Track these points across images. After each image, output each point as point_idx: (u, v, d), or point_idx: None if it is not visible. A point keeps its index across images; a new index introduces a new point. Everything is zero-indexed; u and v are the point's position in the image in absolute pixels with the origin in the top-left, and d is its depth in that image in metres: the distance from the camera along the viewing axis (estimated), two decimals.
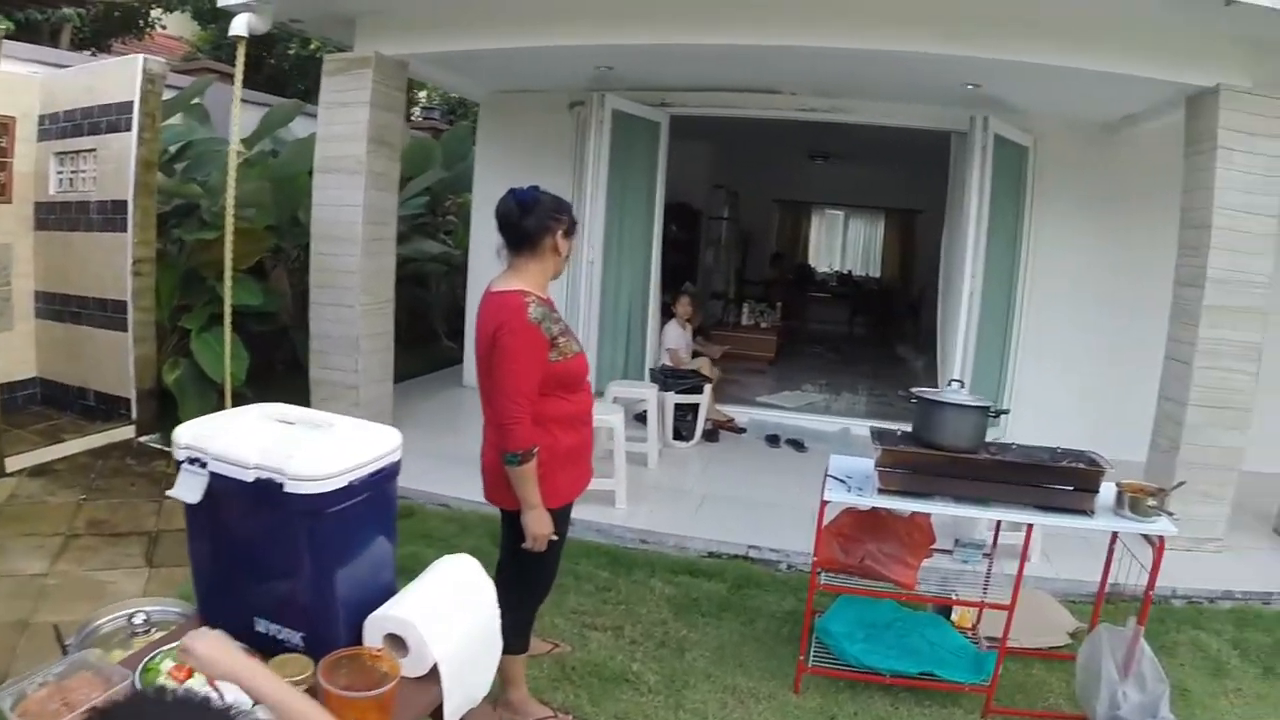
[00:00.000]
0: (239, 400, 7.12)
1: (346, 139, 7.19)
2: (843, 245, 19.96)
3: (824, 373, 11.70)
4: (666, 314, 9.21)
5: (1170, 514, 3.82)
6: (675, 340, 8.98)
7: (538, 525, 3.47)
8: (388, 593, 2.54)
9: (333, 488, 2.25)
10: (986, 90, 7.57)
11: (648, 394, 7.34)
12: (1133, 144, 8.43)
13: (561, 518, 3.66)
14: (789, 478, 7.13)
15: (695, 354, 9.29)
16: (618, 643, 4.62)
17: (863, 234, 19.74)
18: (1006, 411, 4.34)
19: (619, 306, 8.75)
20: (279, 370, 9.01)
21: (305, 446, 2.30)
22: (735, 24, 6.40)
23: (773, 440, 8.38)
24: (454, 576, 2.64)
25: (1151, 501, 3.78)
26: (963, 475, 3.75)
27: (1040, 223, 8.67)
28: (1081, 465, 3.86)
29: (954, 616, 4.56)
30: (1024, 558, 3.89)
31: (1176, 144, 6.69)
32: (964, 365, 7.81)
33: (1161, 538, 3.80)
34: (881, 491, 3.80)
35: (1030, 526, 3.84)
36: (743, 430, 8.73)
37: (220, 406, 6.69)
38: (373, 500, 2.41)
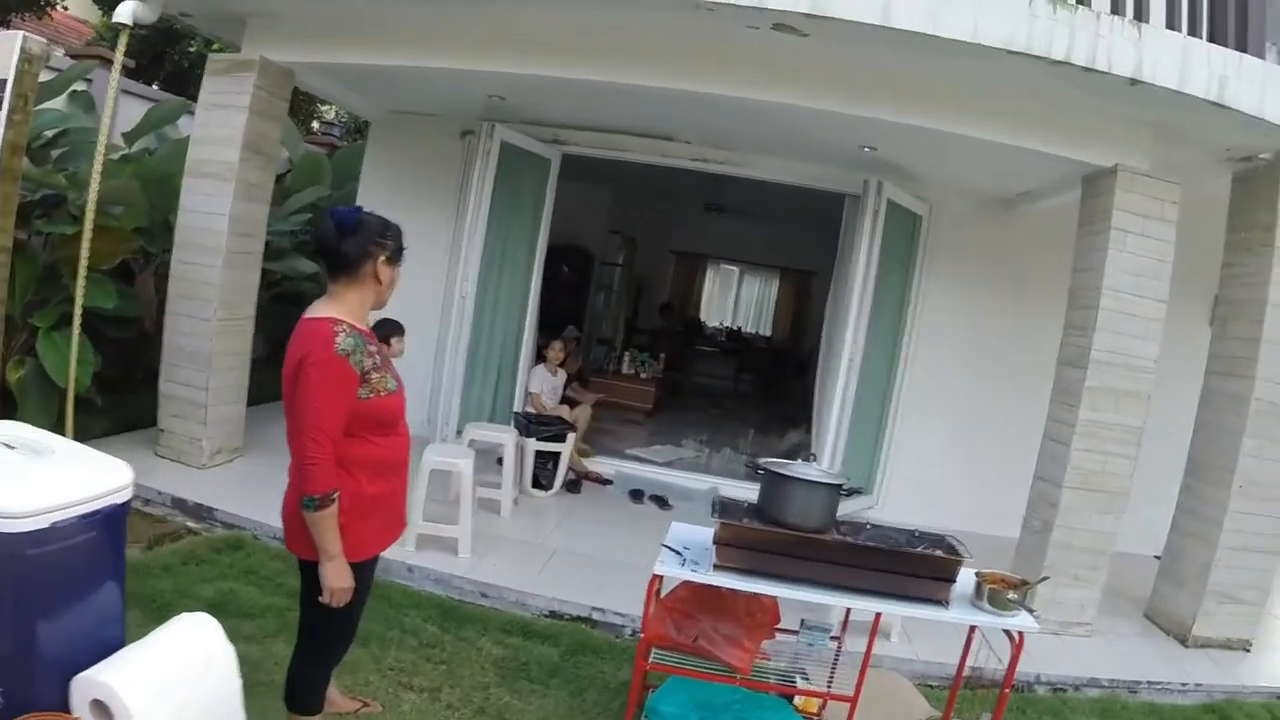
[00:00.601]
0: (84, 407, 6.65)
1: (220, 143, 6.83)
2: (736, 301, 19.90)
3: (702, 428, 11.49)
4: (542, 357, 8.87)
5: (1031, 610, 3.60)
6: (538, 384, 8.67)
7: (336, 578, 3.12)
8: (109, 649, 2.17)
9: (33, 527, 1.89)
10: (883, 154, 7.48)
11: (506, 438, 6.98)
12: (1027, 220, 8.48)
13: (364, 572, 3.30)
14: (647, 536, 6.61)
15: (569, 401, 9.00)
16: (433, 706, 4.25)
17: (757, 291, 19.71)
18: (860, 490, 4.01)
19: (491, 345, 8.41)
20: (138, 379, 8.43)
21: (7, 479, 1.93)
22: (622, 63, 6.22)
23: (636, 495, 8.10)
24: (187, 640, 2.28)
25: (1012, 595, 3.55)
26: (808, 557, 3.47)
27: (929, 292, 8.62)
28: (939, 552, 3.62)
29: (798, 700, 4.28)
30: (870, 647, 3.68)
31: (1070, 224, 6.67)
32: (839, 433, 7.67)
33: (1021, 633, 3.55)
34: (718, 568, 3.50)
35: (879, 615, 3.58)
36: (608, 482, 8.44)
37: (62, 411, 6.22)
38: (93, 544, 2.06)
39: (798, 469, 3.70)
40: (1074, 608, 6.28)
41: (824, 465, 7.21)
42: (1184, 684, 5.83)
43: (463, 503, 5.87)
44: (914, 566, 3.52)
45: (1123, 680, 5.72)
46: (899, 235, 8.14)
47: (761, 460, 3.78)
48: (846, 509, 7.66)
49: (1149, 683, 5.77)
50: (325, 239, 3.14)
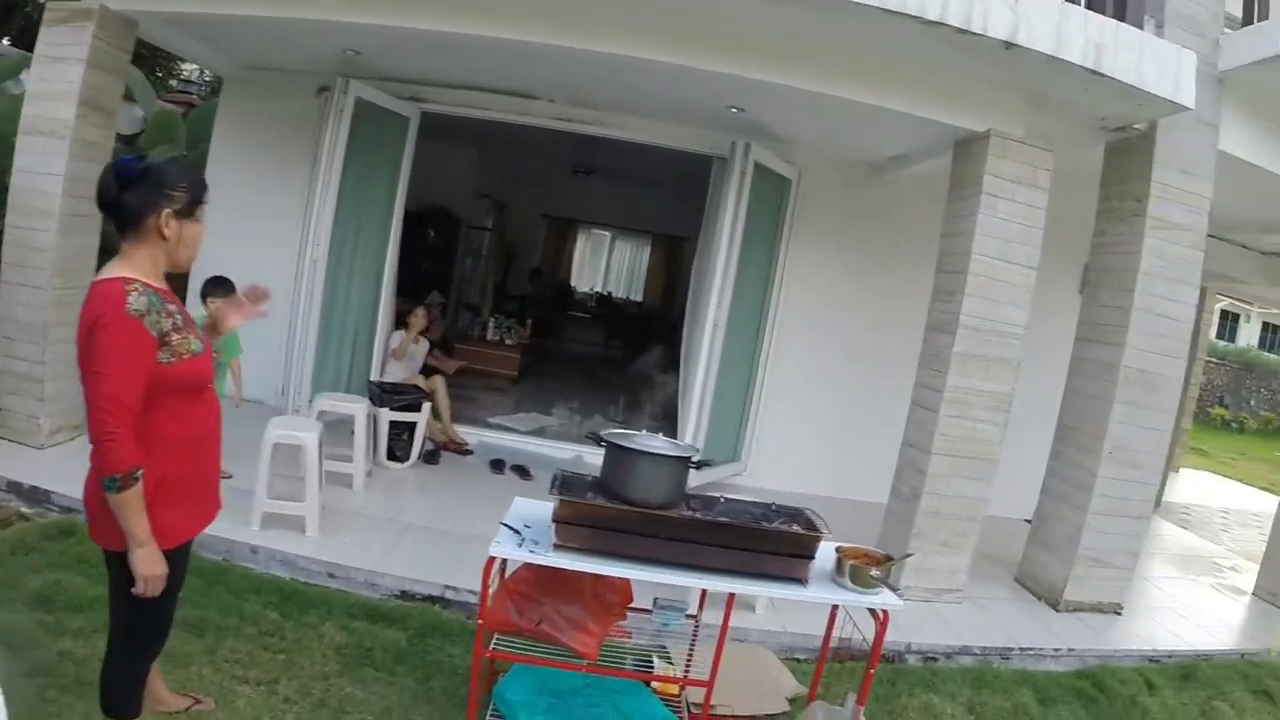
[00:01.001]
0: None
1: (56, 99, 6.27)
2: (607, 266, 19.71)
3: (568, 395, 11.18)
4: (404, 324, 8.52)
5: (894, 588, 3.50)
6: (398, 339, 8.29)
7: (147, 565, 2.82)
8: None
9: None
10: (751, 115, 7.33)
11: (356, 409, 6.66)
12: (898, 185, 8.44)
13: (177, 560, 3.01)
14: (506, 509, 6.57)
15: (430, 370, 8.67)
16: (269, 700, 3.94)
17: (629, 257, 19.55)
18: (709, 462, 3.85)
19: (347, 312, 8.01)
20: None
21: None
22: (476, 14, 5.92)
23: (497, 466, 7.86)
24: None
25: (875, 571, 3.43)
26: (655, 535, 3.29)
27: (797, 257, 8.55)
28: (796, 528, 3.48)
29: (655, 682, 4.12)
30: (724, 631, 3.47)
31: (941, 189, 6.61)
32: (703, 400, 7.54)
33: (885, 611, 3.44)
34: (558, 548, 3.30)
35: (732, 595, 3.42)
36: (469, 452, 8.17)
37: None
38: None
39: (642, 441, 3.50)
40: (944, 575, 6.29)
41: (688, 433, 7.12)
42: (1056, 649, 5.88)
43: (308, 478, 5.54)
44: (770, 543, 3.37)
45: (994, 647, 5.73)
46: (767, 199, 8.03)
47: (603, 431, 3.57)
48: (711, 477, 7.65)
49: (1021, 649, 5.80)
50: (103, 191, 2.81)
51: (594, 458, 7.51)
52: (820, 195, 8.57)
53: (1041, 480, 7.01)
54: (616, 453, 3.43)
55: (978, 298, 6.02)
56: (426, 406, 7.52)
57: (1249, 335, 37.91)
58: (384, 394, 7.27)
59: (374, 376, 8.07)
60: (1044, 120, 6.13)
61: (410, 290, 9.88)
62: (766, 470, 8.58)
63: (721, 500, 3.69)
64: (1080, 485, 6.52)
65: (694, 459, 3.52)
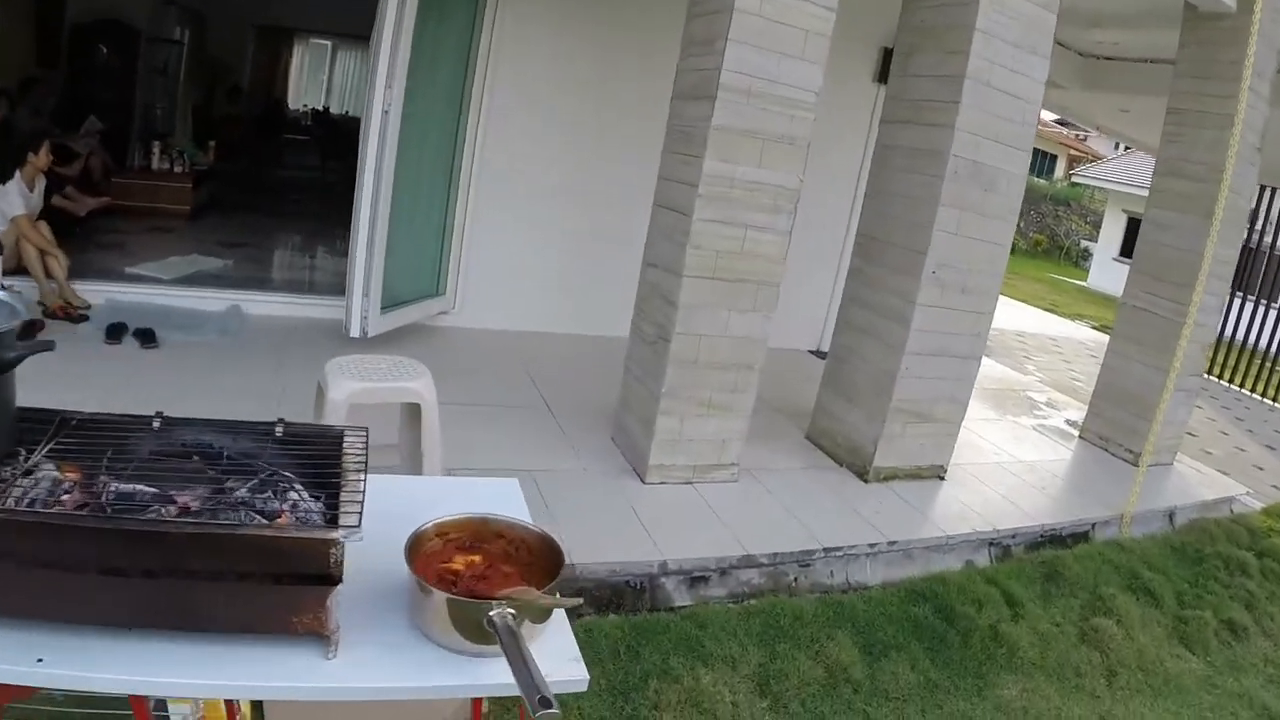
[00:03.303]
0: None
1: None
2: (329, 81, 17.02)
3: (254, 231, 9.00)
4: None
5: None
6: (17, 204, 5.89)
7: None
8: None
9: None
10: None
11: None
12: None
13: None
14: (87, 395, 4.50)
15: (58, 214, 6.54)
16: None
17: (353, 69, 16.85)
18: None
19: None
20: None
21: None
22: None
23: (114, 333, 5.64)
24: None
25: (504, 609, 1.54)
26: None
27: (505, 28, 6.41)
28: (309, 532, 1.47)
29: None
30: None
31: None
32: (376, 215, 5.51)
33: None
34: None
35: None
36: (84, 318, 5.89)
37: None
38: None
39: None
40: (710, 447, 4.58)
41: (358, 263, 5.24)
42: (873, 544, 4.33)
43: None
44: (214, 558, 1.38)
45: (788, 553, 4.09)
46: None
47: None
48: (407, 319, 6.23)
49: (825, 550, 4.18)
50: None
51: (257, 307, 6.36)
52: None
53: (836, 309, 5.31)
54: None
55: (748, 46, 4.06)
56: None
57: None
58: None
59: None
60: None
61: (73, 120, 8.77)
62: (481, 306, 6.81)
63: (152, 426, 1.66)
64: (892, 315, 4.89)
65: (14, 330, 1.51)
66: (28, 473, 1.43)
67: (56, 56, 9.86)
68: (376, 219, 5.51)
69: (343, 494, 1.43)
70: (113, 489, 1.42)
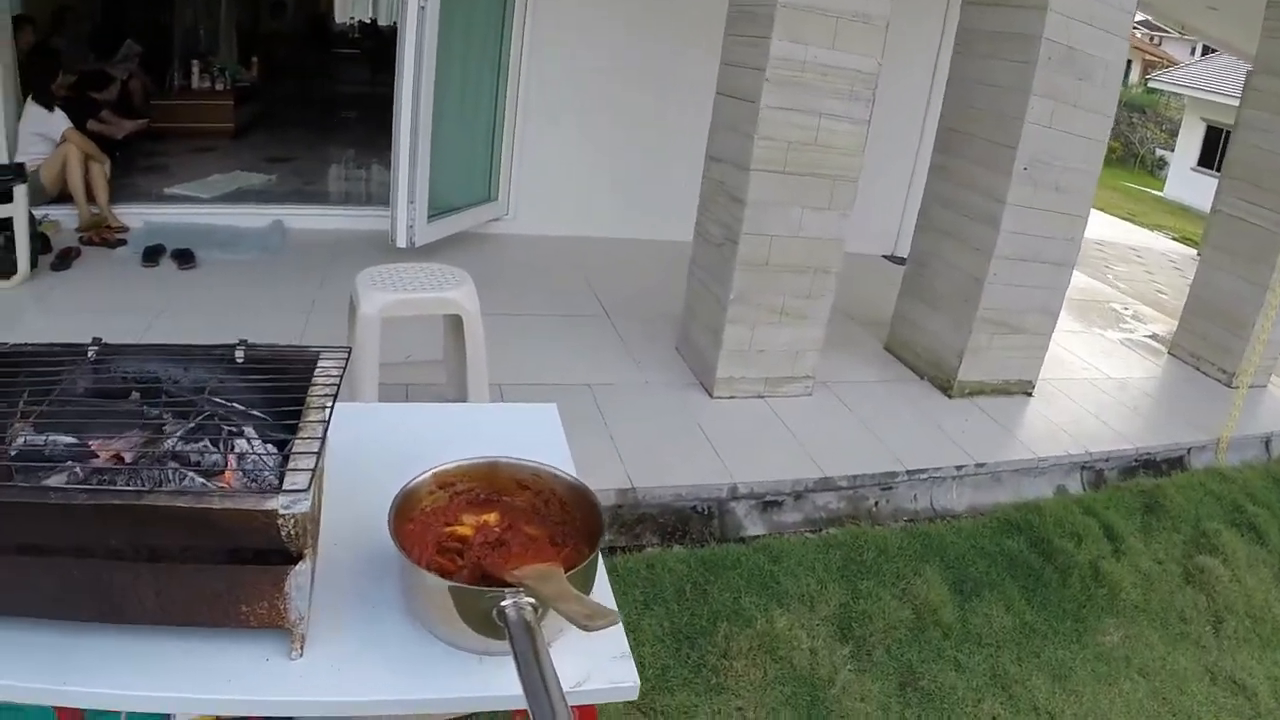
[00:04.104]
0: None
1: None
2: None
3: (299, 146, 8.71)
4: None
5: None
6: (42, 124, 5.62)
7: None
8: None
9: None
10: None
11: None
12: None
13: None
14: (118, 321, 4.25)
15: (98, 138, 6.12)
16: None
17: None
18: None
19: None
20: None
21: None
22: None
23: (152, 255, 5.38)
24: None
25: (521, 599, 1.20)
26: None
27: None
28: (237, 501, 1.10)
29: None
30: None
31: None
32: (417, 114, 5.13)
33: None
34: None
35: None
36: (122, 242, 5.64)
37: None
38: None
39: None
40: (784, 358, 4.21)
41: (402, 169, 4.98)
42: (960, 467, 3.94)
43: None
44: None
45: (869, 475, 3.72)
46: None
47: None
48: (460, 226, 5.99)
49: (908, 472, 3.81)
50: None
51: (302, 222, 6.13)
52: None
53: (917, 209, 4.89)
54: None
55: None
56: (20, 191, 4.86)
57: None
58: None
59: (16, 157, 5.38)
60: None
61: (112, 45, 8.43)
62: (537, 211, 6.47)
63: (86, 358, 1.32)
64: (980, 217, 4.42)
65: None
66: None
67: None
68: (419, 122, 5.15)
69: (295, 442, 1.08)
70: (21, 441, 1.10)
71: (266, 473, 1.10)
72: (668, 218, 6.18)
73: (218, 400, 1.20)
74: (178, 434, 1.12)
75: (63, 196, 5.60)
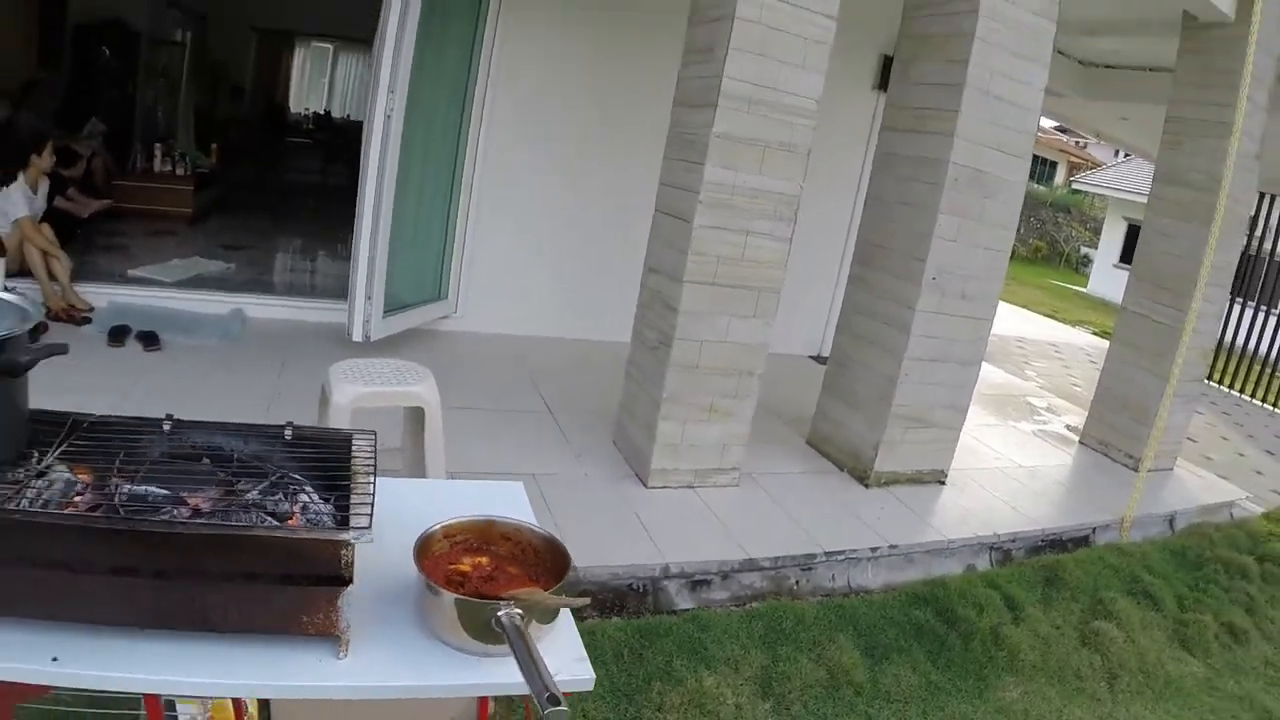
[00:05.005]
0: None
1: None
2: (330, 83, 17.03)
3: (256, 234, 9.06)
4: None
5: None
6: (21, 206, 5.92)
7: None
8: None
9: None
10: None
11: None
12: None
13: None
14: (91, 398, 4.51)
15: (61, 216, 6.57)
16: None
17: (353, 72, 16.87)
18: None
19: None
20: None
21: None
22: None
23: (117, 334, 5.66)
24: None
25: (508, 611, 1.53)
26: None
27: (508, 33, 6.41)
28: (321, 533, 1.47)
29: None
30: None
31: None
32: (378, 217, 5.51)
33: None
34: None
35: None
36: (87, 320, 5.91)
37: None
38: None
39: None
40: (712, 451, 4.59)
41: (361, 265, 5.28)
42: (875, 548, 4.33)
43: None
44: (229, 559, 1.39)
45: (790, 556, 4.09)
46: None
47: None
48: (409, 323, 6.22)
49: (826, 554, 4.18)
50: None
51: (258, 311, 6.36)
52: None
53: (837, 315, 5.32)
54: None
55: (750, 54, 4.08)
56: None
57: None
58: None
59: None
60: None
61: (75, 122, 8.72)
62: (484, 311, 6.82)
63: (164, 429, 1.68)
64: (892, 321, 4.91)
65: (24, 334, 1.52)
66: (41, 474, 1.46)
67: (58, 58, 9.83)
68: (379, 223, 5.51)
69: (353, 495, 1.46)
70: (125, 490, 1.45)
71: (325, 518, 1.46)
72: (606, 320, 6.57)
73: (279, 466, 1.57)
74: (257, 489, 1.48)
75: (23, 271, 5.82)
